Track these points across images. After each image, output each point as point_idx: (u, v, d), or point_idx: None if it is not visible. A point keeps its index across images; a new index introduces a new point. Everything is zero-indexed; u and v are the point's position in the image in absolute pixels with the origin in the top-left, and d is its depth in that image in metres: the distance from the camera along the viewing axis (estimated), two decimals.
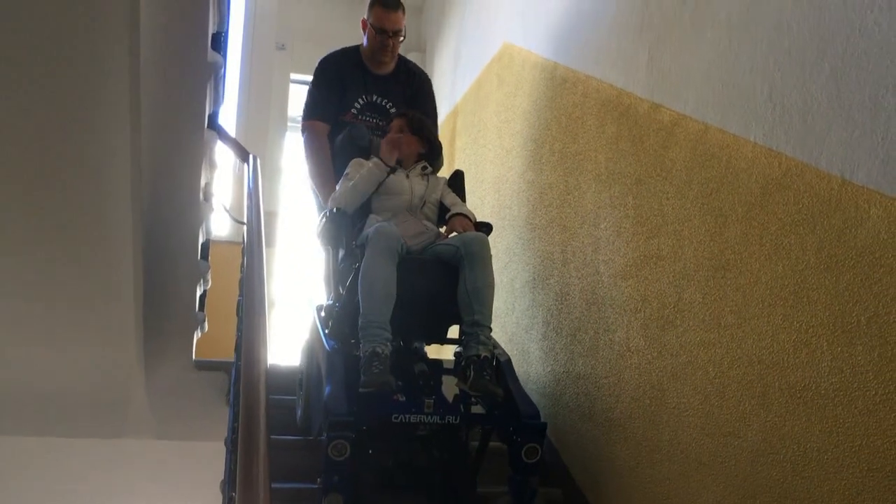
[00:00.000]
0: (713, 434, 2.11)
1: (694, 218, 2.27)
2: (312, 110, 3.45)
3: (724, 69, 2.19)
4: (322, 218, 2.86)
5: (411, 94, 3.55)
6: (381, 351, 2.44)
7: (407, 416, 2.46)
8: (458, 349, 2.68)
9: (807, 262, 1.82)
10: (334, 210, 2.79)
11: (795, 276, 1.85)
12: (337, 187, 2.96)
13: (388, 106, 3.48)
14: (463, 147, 4.75)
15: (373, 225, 2.71)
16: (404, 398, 2.47)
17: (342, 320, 2.73)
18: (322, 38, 6.08)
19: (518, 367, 3.30)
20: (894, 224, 1.59)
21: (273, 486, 1.69)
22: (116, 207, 2.60)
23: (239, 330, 2.98)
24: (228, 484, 2.69)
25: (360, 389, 2.37)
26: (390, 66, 3.53)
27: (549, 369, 3.17)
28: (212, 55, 2.69)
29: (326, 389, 2.45)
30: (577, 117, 3.09)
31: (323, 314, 2.90)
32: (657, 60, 2.55)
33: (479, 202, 4.13)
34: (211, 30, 2.69)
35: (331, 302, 2.90)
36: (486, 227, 2.88)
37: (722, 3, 2.22)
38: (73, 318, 3.12)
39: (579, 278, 2.97)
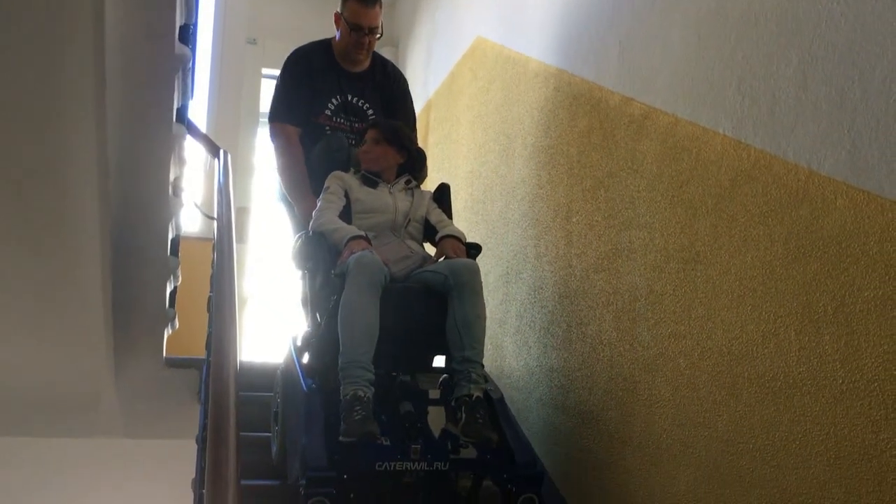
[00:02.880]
0: (684, 425, 2.12)
1: (665, 210, 2.28)
2: (281, 112, 3.16)
3: (693, 62, 2.20)
4: (298, 240, 2.67)
5: (389, 96, 3.30)
6: (363, 394, 2.23)
7: (392, 463, 2.28)
8: (444, 377, 2.54)
9: (775, 252, 1.83)
10: (310, 233, 2.60)
11: (764, 267, 1.87)
12: (318, 202, 2.72)
13: (365, 108, 3.23)
14: (436, 142, 4.74)
15: (353, 251, 2.45)
16: (388, 442, 2.29)
17: (320, 354, 2.53)
18: (294, 32, 6.02)
19: (492, 361, 3.31)
20: (860, 214, 1.60)
21: (243, 482, 1.68)
22: (83, 203, 2.56)
23: (210, 327, 2.95)
24: (199, 482, 2.66)
25: (341, 439, 2.18)
26: (365, 64, 3.27)
27: (522, 363, 3.17)
28: (179, 48, 2.65)
29: (303, 438, 2.28)
30: (550, 111, 3.10)
31: (299, 344, 2.72)
32: (628, 54, 2.56)
33: (453, 197, 4.12)
34: (178, 22, 2.66)
35: (308, 330, 2.71)
36: (475, 249, 2.72)
37: None
38: (40, 315, 3.08)
39: (552, 272, 2.97)
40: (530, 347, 3.10)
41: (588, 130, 2.77)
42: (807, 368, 1.72)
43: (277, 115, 3.16)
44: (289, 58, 3.24)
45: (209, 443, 1.64)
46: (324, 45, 3.27)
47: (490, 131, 3.76)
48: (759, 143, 1.91)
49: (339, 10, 3.21)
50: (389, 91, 3.31)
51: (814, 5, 1.76)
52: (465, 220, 3.87)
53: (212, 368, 1.97)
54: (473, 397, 2.34)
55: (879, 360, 1.54)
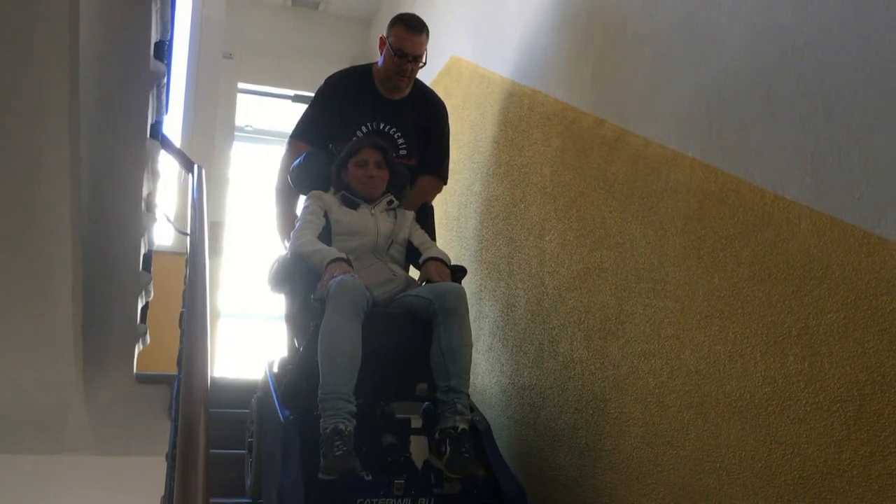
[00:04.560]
0: (653, 443, 2.14)
1: (635, 231, 2.32)
2: (301, 130, 3.12)
3: (663, 86, 2.24)
4: (275, 263, 2.60)
5: (424, 123, 3.19)
6: (343, 428, 2.13)
7: (374, 500, 2.21)
8: (427, 404, 2.45)
9: (741, 274, 1.87)
10: (289, 256, 2.53)
11: (731, 288, 1.90)
12: (297, 224, 2.64)
13: (395, 135, 3.12)
14: None
15: (334, 275, 2.36)
16: (370, 476, 2.20)
17: (298, 382, 2.42)
18: (270, 47, 6.06)
19: None
20: (823, 238, 1.64)
21: (212, 501, 1.68)
22: (54, 217, 2.54)
23: (182, 342, 2.93)
24: (169, 499, 2.64)
25: (321, 476, 2.08)
26: (405, 92, 3.16)
27: (494, 380, 3.18)
28: (154, 64, 2.65)
29: (281, 473, 2.17)
30: (523, 130, 3.13)
31: (276, 370, 2.63)
32: (600, 76, 2.60)
33: None
34: (154, 38, 2.66)
35: (285, 356, 2.63)
36: (460, 272, 2.66)
37: (662, 23, 2.28)
38: (9, 330, 3.04)
39: (525, 290, 2.99)
40: (503, 365, 3.12)
41: (561, 150, 2.81)
42: (772, 389, 1.75)
43: (297, 132, 3.13)
44: (326, 81, 3.19)
45: (178, 460, 1.64)
46: (363, 70, 3.20)
47: (465, 149, 3.79)
48: (727, 167, 1.95)
49: (384, 34, 3.11)
50: (425, 119, 3.20)
51: (780, 37, 1.81)
52: (439, 238, 3.87)
53: (182, 385, 1.96)
54: (459, 430, 2.25)
55: (842, 381, 1.57)
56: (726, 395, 1.88)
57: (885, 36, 1.53)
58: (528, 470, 2.86)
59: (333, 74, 3.20)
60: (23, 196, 2.55)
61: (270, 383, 2.54)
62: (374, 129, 3.09)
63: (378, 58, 3.13)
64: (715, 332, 1.94)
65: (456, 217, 3.82)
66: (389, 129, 3.11)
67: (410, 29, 3.03)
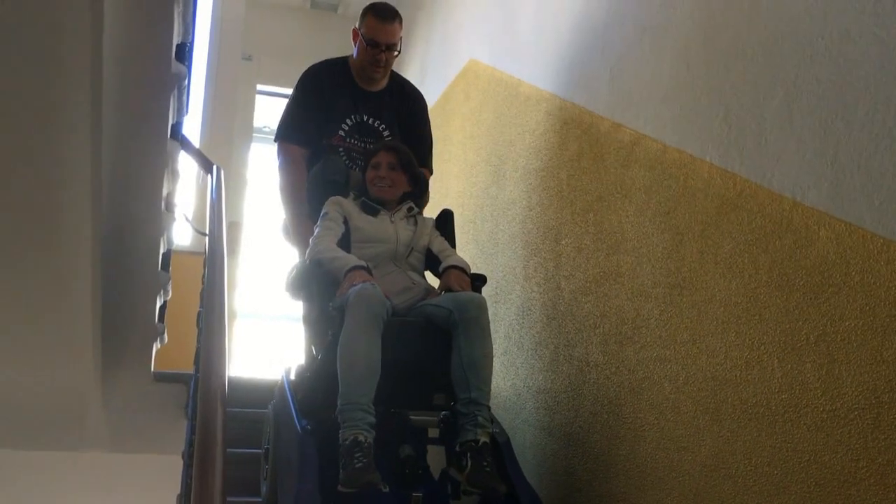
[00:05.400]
0: (668, 449, 2.14)
1: (652, 236, 2.31)
2: (289, 131, 3.03)
3: (681, 91, 2.24)
4: (293, 270, 2.56)
5: (405, 116, 3.15)
6: (363, 439, 2.08)
7: None
8: (445, 413, 2.39)
9: (759, 280, 1.86)
10: (306, 262, 2.48)
11: (748, 295, 1.89)
12: (315, 230, 2.58)
13: (380, 128, 3.08)
14: None
15: (354, 283, 2.31)
16: (387, 489, 2.10)
17: (315, 392, 2.37)
18: (289, 49, 6.10)
19: None
20: (842, 245, 1.64)
21: (229, 499, 1.69)
22: (75, 217, 2.58)
23: (199, 341, 2.95)
24: (185, 497, 2.66)
25: (340, 489, 2.04)
26: (382, 83, 3.11)
27: (509, 383, 3.19)
28: (175, 66, 2.68)
29: (297, 485, 2.13)
30: (541, 134, 3.13)
31: (293, 378, 2.57)
32: (618, 81, 2.60)
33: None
34: (175, 41, 2.68)
35: (302, 364, 2.57)
36: (480, 281, 2.61)
37: (680, 28, 2.27)
38: (29, 327, 3.08)
39: (540, 293, 2.99)
40: (517, 368, 3.12)
41: (578, 155, 2.81)
42: (789, 395, 1.74)
43: (284, 135, 3.04)
44: (303, 75, 3.10)
45: (195, 459, 1.65)
46: (340, 63, 3.12)
47: (482, 152, 3.80)
48: (745, 173, 1.94)
49: (356, 25, 3.06)
50: (406, 111, 3.16)
51: (800, 40, 1.80)
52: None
53: (200, 384, 1.98)
54: (480, 443, 2.20)
55: (859, 388, 1.56)
56: (742, 401, 1.87)
57: None
58: (541, 473, 2.86)
59: (309, 68, 3.11)
60: (44, 196, 2.58)
61: (287, 391, 2.50)
62: (358, 122, 3.05)
63: (353, 50, 3.07)
64: (732, 339, 1.93)
65: (472, 220, 3.82)
66: (373, 122, 3.07)
67: (381, 18, 2.97)
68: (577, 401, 2.65)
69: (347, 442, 2.09)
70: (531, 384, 2.99)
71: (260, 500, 2.63)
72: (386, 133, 3.09)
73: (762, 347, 1.83)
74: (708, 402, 1.99)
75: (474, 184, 3.86)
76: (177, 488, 3.04)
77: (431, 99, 4.90)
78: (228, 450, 1.83)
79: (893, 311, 1.50)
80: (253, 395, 3.45)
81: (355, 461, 2.03)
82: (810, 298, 1.71)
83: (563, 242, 2.85)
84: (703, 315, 2.05)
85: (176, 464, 3.18)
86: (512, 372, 3.17)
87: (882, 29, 1.58)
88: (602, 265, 2.57)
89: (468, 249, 3.78)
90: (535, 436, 2.92)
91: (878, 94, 1.58)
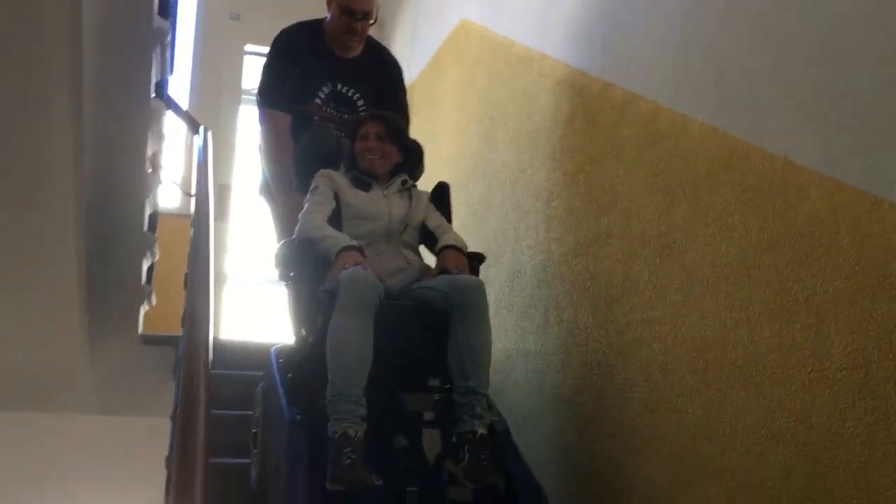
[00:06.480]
0: (657, 410, 2.14)
1: (643, 196, 2.29)
2: (271, 97, 2.90)
3: (674, 50, 2.20)
4: (282, 246, 2.46)
5: (381, 84, 3.04)
6: (353, 433, 2.00)
7: None
8: (440, 397, 2.33)
9: (750, 241, 1.84)
10: (296, 240, 2.37)
11: (739, 255, 1.88)
12: (305, 205, 2.45)
13: (355, 98, 2.98)
14: (419, 123, 4.71)
15: (346, 265, 2.20)
16: (380, 482, 2.00)
17: (305, 377, 2.27)
18: (278, 8, 5.95)
19: None
20: (832, 205, 1.61)
21: (218, 460, 1.68)
22: (57, 176, 2.53)
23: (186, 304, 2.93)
24: (173, 459, 2.66)
25: (328, 486, 1.96)
26: (357, 51, 3.00)
27: (499, 346, 3.18)
28: (158, 21, 2.62)
29: (285, 478, 2.06)
30: (532, 95, 3.09)
31: (282, 360, 2.46)
32: (610, 40, 2.55)
33: (435, 180, 4.12)
34: None
35: (292, 346, 2.48)
36: (478, 260, 2.50)
37: None
38: (14, 289, 3.05)
39: (531, 256, 2.97)
40: (507, 331, 3.11)
41: (570, 115, 2.77)
42: (777, 356, 1.73)
43: (266, 101, 2.91)
44: (276, 39, 2.98)
45: (179, 418, 1.64)
46: (314, 27, 2.99)
47: (473, 114, 3.75)
48: (737, 132, 1.91)
49: None
50: (382, 80, 3.05)
51: None
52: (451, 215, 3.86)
53: (183, 344, 1.96)
54: (478, 434, 2.11)
55: (848, 349, 1.55)
56: (731, 361, 1.87)
57: None
58: (530, 435, 2.86)
59: (283, 31, 2.99)
60: (26, 155, 2.53)
61: (276, 375, 2.40)
62: (332, 91, 2.95)
63: (327, 15, 2.96)
64: (721, 299, 1.92)
65: (463, 183, 3.79)
66: (348, 91, 2.97)
67: None
68: (567, 363, 2.64)
69: (337, 436, 2.00)
70: (521, 347, 2.99)
71: (248, 461, 2.63)
72: (360, 103, 2.99)
73: (752, 308, 1.82)
74: (697, 364, 1.99)
75: (466, 145, 3.82)
76: (165, 450, 3.04)
77: (422, 61, 4.84)
78: (216, 411, 1.82)
79: (883, 271, 1.49)
80: (244, 358, 3.43)
81: (344, 457, 1.95)
82: (800, 259, 1.69)
83: (554, 204, 2.82)
84: (694, 276, 2.03)
85: (164, 426, 3.17)
86: (502, 334, 3.16)
87: None
88: (593, 227, 2.55)
89: (460, 212, 3.74)
90: (524, 397, 2.92)
91: (872, 50, 1.55)
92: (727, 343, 1.89)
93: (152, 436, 3.67)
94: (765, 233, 1.80)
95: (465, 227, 3.64)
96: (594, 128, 2.60)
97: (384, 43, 5.41)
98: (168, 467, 2.74)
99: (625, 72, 2.45)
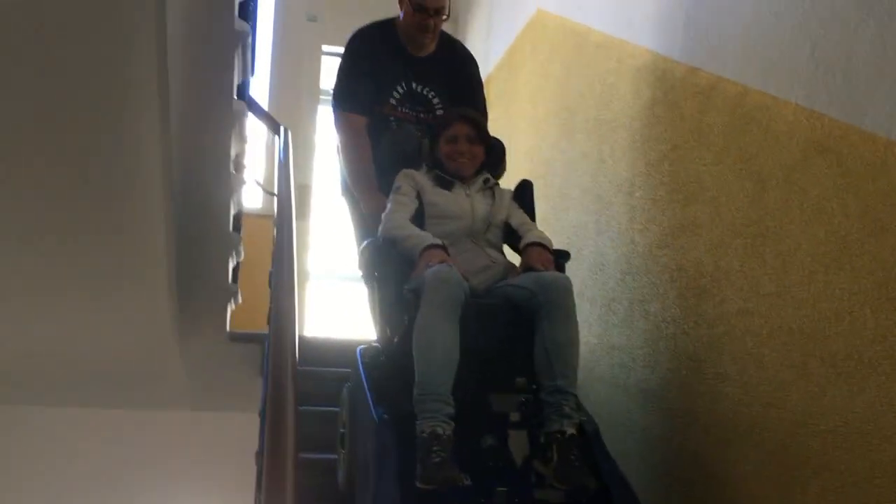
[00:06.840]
0: (751, 404, 2.06)
1: (732, 184, 2.21)
2: (346, 100, 2.88)
3: (764, 28, 2.11)
4: (366, 247, 2.43)
5: (456, 81, 2.99)
6: (442, 432, 1.96)
7: None
8: (527, 397, 2.25)
9: (850, 227, 1.75)
10: (379, 239, 2.36)
11: (838, 242, 1.79)
12: (388, 204, 2.44)
13: (430, 96, 2.95)
14: (495, 117, 4.68)
15: (430, 263, 2.17)
16: (469, 481, 1.95)
17: (391, 377, 2.26)
18: (355, 9, 5.99)
19: None
20: None
21: (304, 455, 1.69)
22: (147, 180, 2.59)
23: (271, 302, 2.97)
24: (263, 454, 2.70)
25: (418, 485, 1.92)
26: (430, 48, 2.96)
27: (582, 340, 3.10)
28: (239, 23, 2.66)
29: (375, 479, 2.05)
30: (612, 83, 3.02)
31: (367, 360, 2.46)
32: (694, 22, 2.47)
33: (515, 175, 4.08)
34: None
35: (377, 346, 2.47)
36: (564, 257, 2.45)
37: None
38: (107, 290, 3.15)
39: (614, 248, 2.91)
40: (591, 325, 3.05)
41: (652, 102, 2.70)
42: (883, 348, 1.64)
43: (342, 104, 2.89)
44: (350, 40, 2.96)
45: (268, 415, 1.66)
46: (386, 26, 2.96)
47: (550, 105, 3.70)
48: (834, 113, 1.82)
49: None
50: (457, 77, 3.00)
51: None
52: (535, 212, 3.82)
53: (270, 342, 1.98)
54: (567, 434, 2.06)
55: None
56: (832, 354, 1.78)
57: None
58: (615, 429, 2.81)
59: (356, 32, 2.96)
60: (116, 160, 2.60)
61: (362, 375, 2.39)
62: (407, 91, 2.91)
63: (399, 12, 2.93)
64: (819, 289, 1.83)
65: (542, 175, 3.74)
66: (423, 90, 2.94)
67: None
68: (654, 357, 2.57)
69: (425, 434, 1.97)
70: (605, 340, 2.93)
71: (334, 456, 2.65)
72: (436, 102, 2.95)
73: (853, 297, 1.72)
74: (794, 356, 1.90)
75: (543, 138, 3.77)
76: (255, 445, 3.10)
77: (497, 54, 4.81)
78: (303, 407, 1.83)
79: None
80: (328, 354, 3.48)
81: (433, 455, 1.92)
82: None
83: (637, 194, 2.75)
84: (789, 265, 1.94)
85: (253, 421, 3.23)
86: (585, 328, 3.10)
87: None
88: (678, 217, 2.47)
89: (539, 206, 3.67)
90: (609, 392, 2.86)
91: None
92: (827, 335, 1.80)
93: (244, 430, 3.74)
94: (867, 218, 1.70)
95: (546, 220, 3.59)
96: (677, 114, 2.52)
97: (458, 37, 5.41)
98: (258, 462, 2.80)
99: (710, 54, 2.36)
